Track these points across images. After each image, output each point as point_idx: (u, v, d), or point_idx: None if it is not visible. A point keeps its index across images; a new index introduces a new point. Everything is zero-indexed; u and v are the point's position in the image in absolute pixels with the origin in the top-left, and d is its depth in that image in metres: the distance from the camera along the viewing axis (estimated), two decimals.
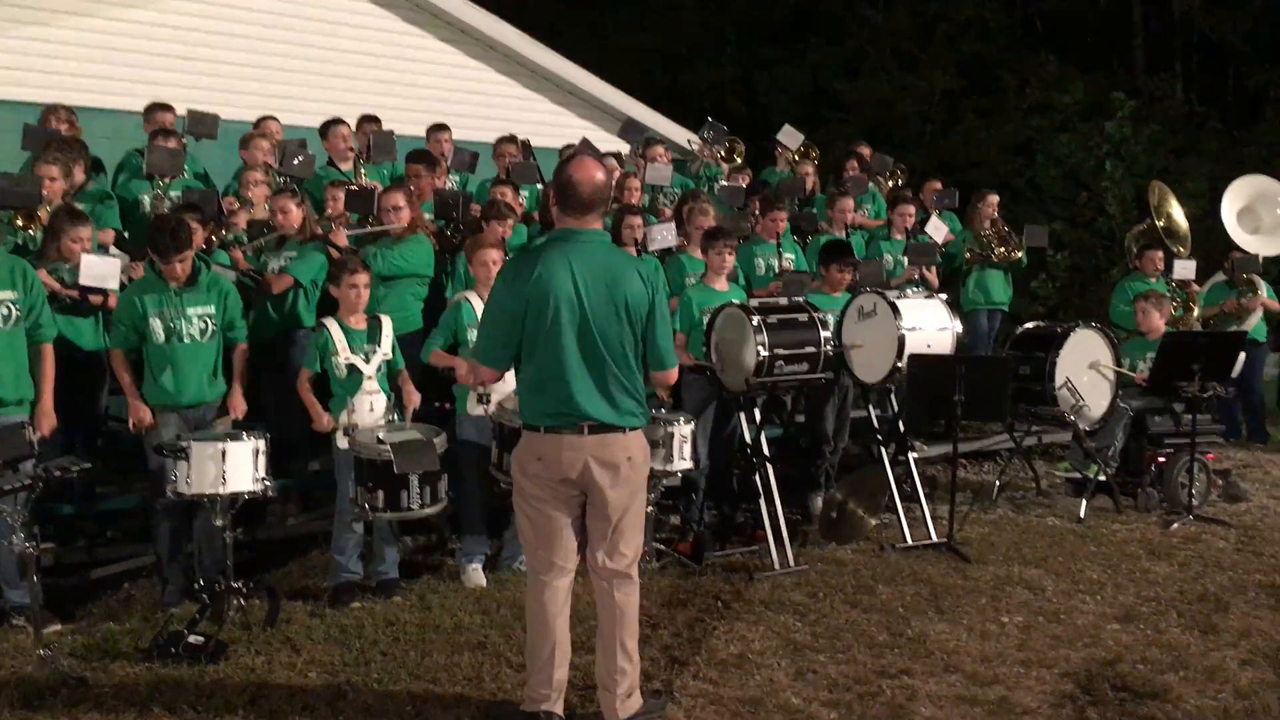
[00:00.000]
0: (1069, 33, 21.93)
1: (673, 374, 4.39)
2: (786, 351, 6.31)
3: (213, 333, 5.81)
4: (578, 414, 4.05)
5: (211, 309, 5.80)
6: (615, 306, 4.05)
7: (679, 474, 6.21)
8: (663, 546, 6.57)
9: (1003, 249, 9.69)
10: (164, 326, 5.68)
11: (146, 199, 7.49)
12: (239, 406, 5.86)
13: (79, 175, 6.90)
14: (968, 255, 9.71)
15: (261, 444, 5.37)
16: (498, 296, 4.15)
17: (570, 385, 4.03)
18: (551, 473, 4.10)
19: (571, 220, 4.13)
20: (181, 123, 8.05)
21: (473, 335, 6.11)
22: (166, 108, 8.23)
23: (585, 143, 10.04)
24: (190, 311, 5.74)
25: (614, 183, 8.80)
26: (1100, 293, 13.67)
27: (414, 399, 6.06)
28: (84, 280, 5.98)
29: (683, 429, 6.14)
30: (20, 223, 6.20)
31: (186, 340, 5.72)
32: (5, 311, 5.28)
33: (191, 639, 5.00)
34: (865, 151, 10.90)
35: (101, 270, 6.02)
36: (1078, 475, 8.20)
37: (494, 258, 6.25)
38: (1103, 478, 7.83)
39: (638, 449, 4.20)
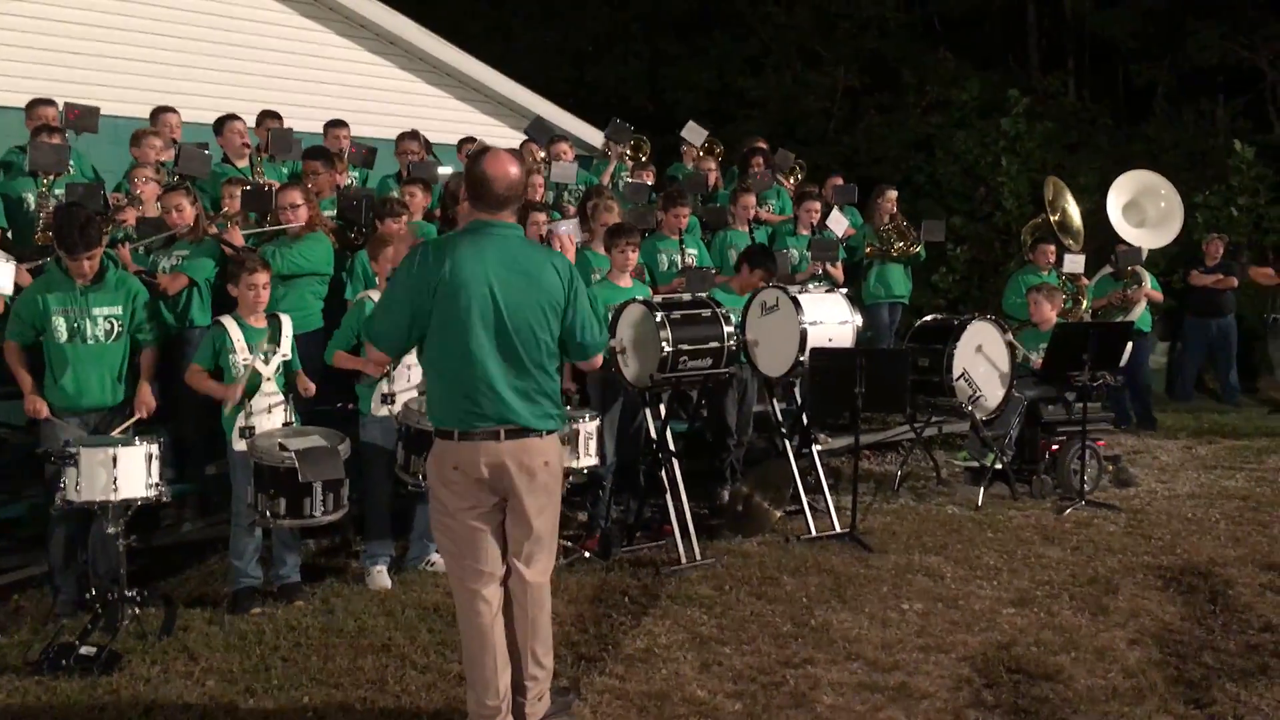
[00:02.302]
0: (966, 31, 22.44)
1: (598, 360, 4.29)
2: (690, 347, 6.35)
3: (119, 334, 5.64)
4: (494, 417, 3.89)
5: (119, 309, 5.64)
6: (531, 302, 3.91)
7: (585, 470, 6.22)
8: (570, 543, 6.56)
9: (902, 244, 9.87)
10: (67, 326, 5.51)
11: (30, 197, 7.24)
12: (148, 402, 5.69)
13: None
14: (868, 250, 9.87)
15: (155, 449, 5.23)
16: (400, 280, 3.95)
17: (486, 386, 3.86)
18: (468, 480, 3.92)
19: (484, 215, 3.98)
20: (61, 117, 7.79)
21: None
22: (49, 103, 7.94)
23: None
24: (95, 311, 5.57)
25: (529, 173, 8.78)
26: (998, 285, 13.96)
27: (309, 388, 5.94)
28: None
29: (589, 425, 6.16)
30: None
31: (90, 341, 5.55)
32: None
33: (84, 650, 4.87)
34: (765, 147, 11.00)
35: None
36: (976, 464, 8.41)
37: (395, 254, 6.19)
38: (999, 466, 8.04)
39: (554, 453, 4.05)
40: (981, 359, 8.02)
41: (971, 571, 6.33)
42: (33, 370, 5.63)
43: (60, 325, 5.52)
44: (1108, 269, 10.61)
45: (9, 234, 6.96)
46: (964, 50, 21.28)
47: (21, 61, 9.49)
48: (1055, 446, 8.20)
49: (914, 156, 19.90)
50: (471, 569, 4.01)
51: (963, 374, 7.90)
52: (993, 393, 8.01)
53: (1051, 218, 10.62)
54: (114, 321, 5.63)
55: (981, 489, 7.89)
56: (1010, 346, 8.06)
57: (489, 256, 3.88)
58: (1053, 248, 10.04)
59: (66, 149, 7.27)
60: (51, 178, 7.07)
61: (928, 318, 8.87)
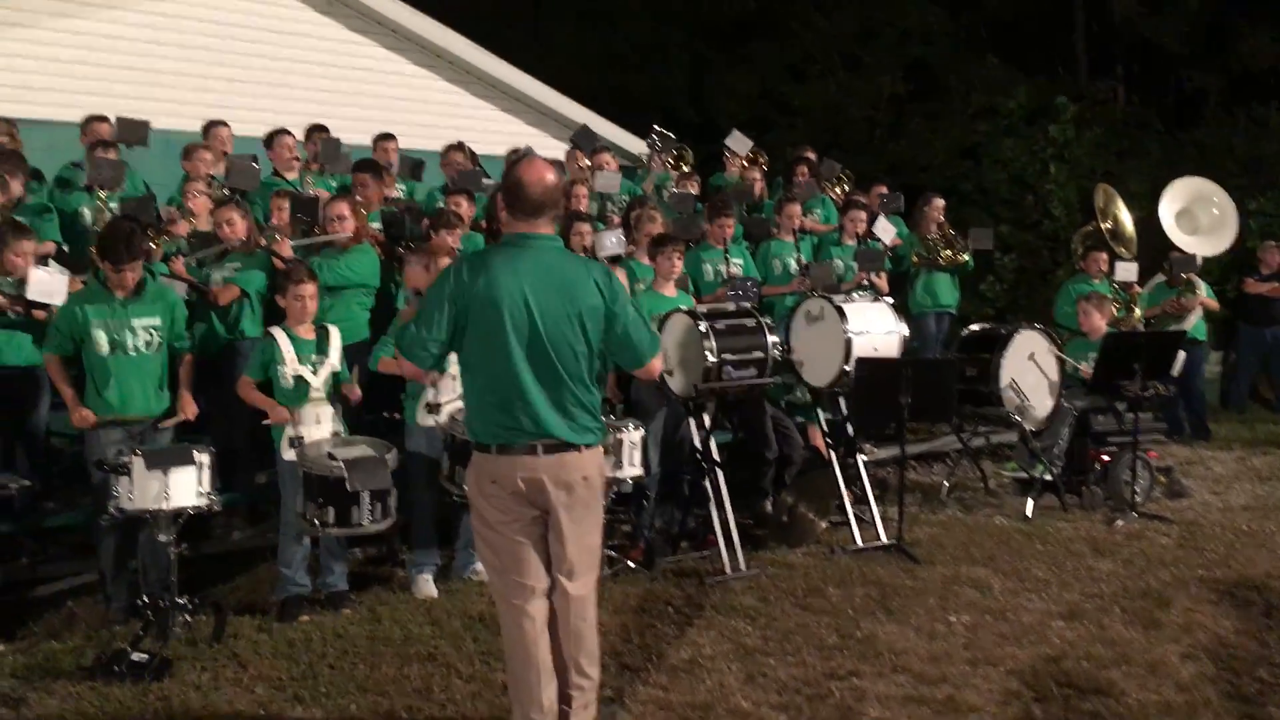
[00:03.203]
0: (1012, 37, 22.24)
1: (656, 365, 4.15)
2: (735, 356, 6.34)
3: (158, 344, 5.73)
4: (531, 432, 3.82)
5: (157, 320, 5.73)
6: (569, 316, 3.82)
7: (630, 480, 6.21)
8: (614, 553, 6.57)
9: (949, 252, 9.80)
10: (108, 338, 5.59)
11: (87, 211, 7.39)
12: (190, 409, 5.78)
13: (16, 188, 6.79)
14: (915, 259, 9.81)
15: (206, 458, 5.30)
16: (435, 294, 3.89)
17: (522, 401, 3.80)
18: (506, 494, 3.87)
19: (521, 224, 3.91)
20: (112, 131, 7.95)
21: None
22: (104, 119, 8.12)
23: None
24: (135, 323, 5.66)
25: (565, 186, 8.83)
26: (1047, 294, 13.84)
27: (355, 395, 6.00)
28: (32, 295, 5.89)
29: (633, 435, 6.16)
30: None
31: (131, 352, 5.64)
32: None
33: (135, 657, 4.93)
34: (812, 156, 10.98)
35: (50, 286, 5.93)
36: (1024, 475, 8.30)
37: (444, 266, 6.24)
38: (1048, 477, 7.94)
39: (594, 467, 3.98)
40: (1030, 368, 7.93)
41: (1020, 584, 6.26)
42: (73, 382, 5.72)
43: (101, 337, 5.59)
44: (1161, 277, 10.46)
45: (65, 248, 7.09)
46: (1011, 57, 21.10)
47: (75, 78, 9.68)
48: (1106, 457, 8.08)
49: (960, 164, 19.78)
50: (514, 583, 3.96)
51: (1011, 384, 7.83)
52: (1041, 403, 7.93)
53: (1103, 225, 10.51)
54: (153, 332, 5.72)
55: (1030, 500, 7.80)
56: (1059, 359, 7.98)
57: (524, 270, 3.83)
58: (1105, 256, 9.92)
59: (123, 165, 7.42)
60: (107, 192, 7.20)
61: (975, 327, 8.80)
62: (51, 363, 5.70)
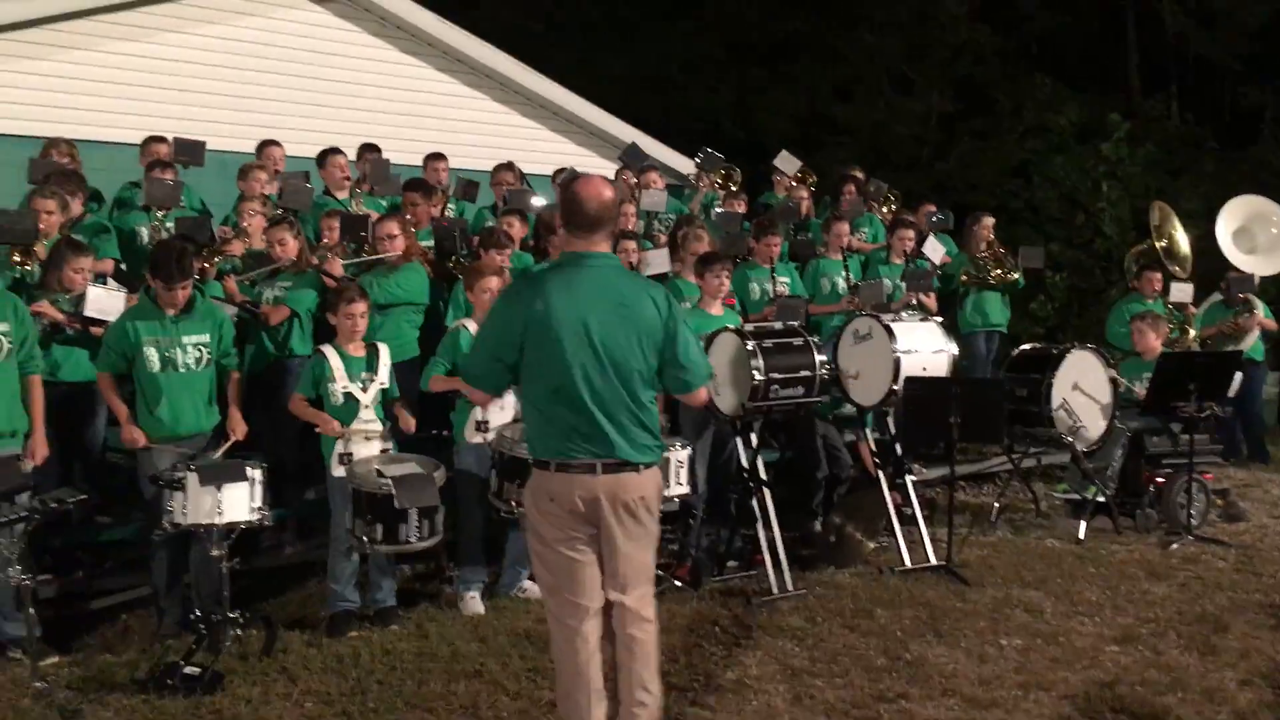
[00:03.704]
0: (1064, 55, 22.07)
1: (703, 393, 4.20)
2: (782, 375, 6.32)
3: (207, 361, 5.81)
4: (590, 450, 3.84)
5: (206, 337, 5.81)
6: (628, 335, 3.84)
7: (676, 499, 6.21)
8: (661, 572, 6.54)
9: (999, 271, 9.71)
10: (159, 355, 5.68)
11: (144, 230, 7.53)
12: (239, 428, 5.86)
13: (76, 207, 6.94)
14: (964, 277, 9.73)
15: (258, 474, 5.37)
16: (494, 318, 3.96)
17: (582, 420, 3.82)
18: (564, 512, 3.88)
19: (579, 240, 3.92)
20: (170, 152, 8.11)
21: None
22: (162, 140, 8.28)
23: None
24: (186, 340, 5.74)
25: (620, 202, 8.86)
26: (1099, 314, 13.67)
27: (409, 424, 6.06)
28: (89, 312, 6.01)
29: (680, 454, 6.15)
30: (17, 258, 6.22)
31: (181, 369, 5.72)
32: None
33: (188, 670, 4.99)
34: (860, 175, 10.94)
35: (106, 304, 6.05)
36: (1076, 496, 8.18)
37: (494, 285, 6.29)
38: (1101, 499, 7.82)
39: (651, 485, 3.98)
40: (1082, 389, 7.83)
41: (1073, 607, 6.16)
42: (125, 400, 5.81)
43: (153, 355, 5.68)
44: (1217, 296, 10.29)
45: (123, 266, 7.23)
46: (1061, 74, 20.92)
47: (133, 100, 9.89)
48: (1160, 479, 7.94)
49: (1010, 183, 19.62)
50: (568, 602, 3.95)
51: (1062, 404, 7.73)
52: (1094, 423, 7.82)
53: (1158, 244, 10.36)
54: (203, 349, 5.80)
55: (1083, 522, 7.68)
56: (1113, 380, 7.87)
57: (584, 289, 3.84)
58: (1159, 275, 9.77)
59: (180, 185, 7.56)
60: (164, 212, 7.33)
61: (1026, 346, 8.70)
62: (104, 380, 5.80)
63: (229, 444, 5.75)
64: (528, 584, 6.40)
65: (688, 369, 4.03)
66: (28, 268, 6.25)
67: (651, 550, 4.09)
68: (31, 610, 4.89)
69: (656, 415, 4.01)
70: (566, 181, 4.03)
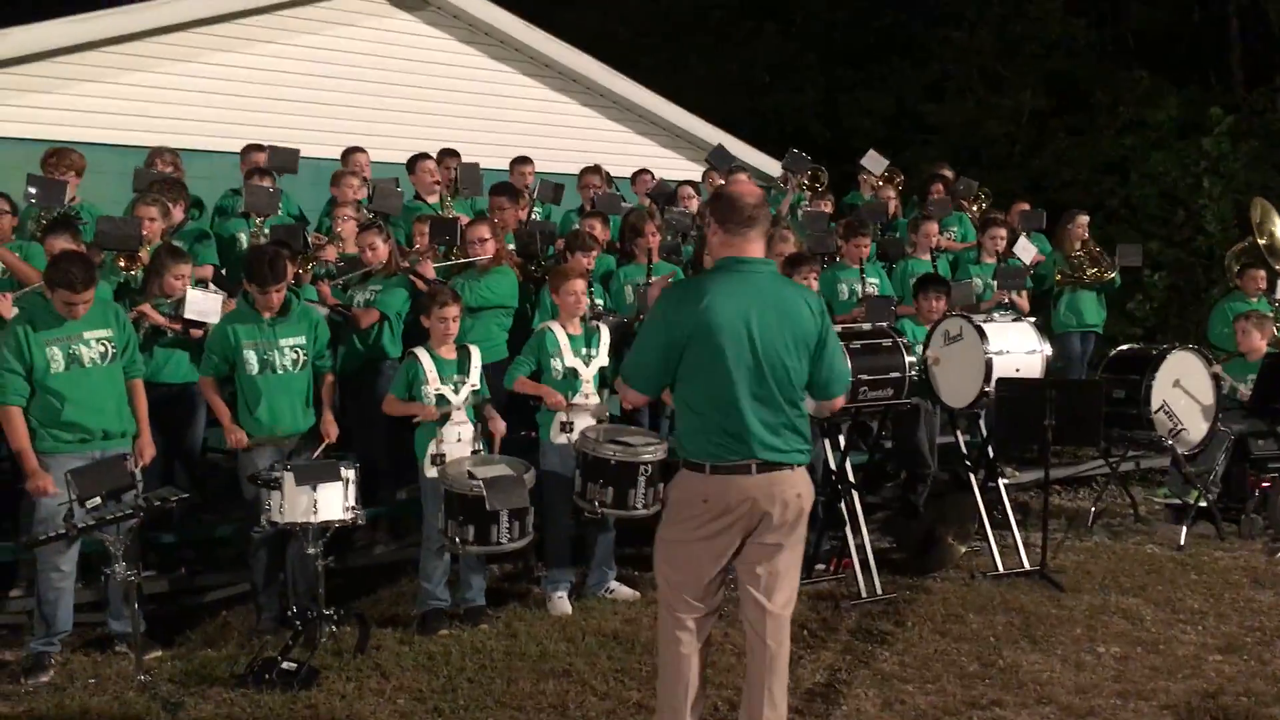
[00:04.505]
0: (1162, 48, 21.45)
1: (839, 401, 4.20)
2: (870, 377, 6.26)
3: (304, 363, 5.95)
4: (747, 451, 3.86)
5: (302, 339, 5.95)
6: (785, 340, 3.88)
7: None
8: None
9: (1095, 270, 9.49)
10: (258, 358, 5.83)
11: (243, 236, 7.73)
12: (332, 431, 5.98)
13: (177, 214, 7.15)
14: (1058, 277, 9.52)
15: (351, 473, 5.48)
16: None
17: (740, 421, 3.84)
18: (716, 513, 3.88)
19: (736, 239, 3.94)
20: (267, 159, 8.31)
21: (555, 364, 6.20)
22: (261, 148, 8.50)
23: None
24: (283, 342, 5.89)
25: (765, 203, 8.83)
26: (1200, 313, 13.27)
27: (500, 429, 6.13)
28: (189, 315, 6.19)
29: None
30: (122, 264, 6.43)
31: (280, 371, 5.86)
32: (103, 350, 5.48)
33: (285, 665, 5.11)
34: (949, 174, 10.78)
35: (205, 306, 6.23)
36: (1177, 501, 7.97)
37: (580, 288, 6.35)
38: (1204, 504, 7.60)
39: (804, 485, 3.99)
40: (1183, 391, 7.62)
41: (1174, 615, 6.00)
42: (224, 397, 5.97)
43: (252, 358, 5.83)
44: None
45: (223, 272, 7.43)
46: (1160, 68, 20.34)
47: (232, 109, 10.16)
48: (1266, 484, 7.69)
49: (1106, 180, 19.13)
50: (684, 600, 3.99)
51: (1162, 406, 7.53)
52: (1195, 426, 7.60)
53: (1259, 241, 10.02)
54: (299, 351, 5.93)
55: (1184, 528, 7.46)
56: (1216, 378, 7.64)
57: (744, 293, 3.86)
58: (1262, 273, 9.46)
59: (279, 192, 7.75)
60: (262, 219, 7.52)
61: (1124, 347, 8.50)
62: (207, 384, 5.96)
63: (324, 445, 5.87)
64: (615, 585, 6.42)
65: (833, 376, 4.07)
66: (132, 273, 6.47)
67: (799, 553, 4.09)
68: (137, 606, 5.05)
69: (807, 418, 4.02)
70: (717, 188, 4.08)
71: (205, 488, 6.72)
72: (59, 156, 7.12)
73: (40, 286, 5.64)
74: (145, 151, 8.15)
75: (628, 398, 4.21)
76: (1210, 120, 16.95)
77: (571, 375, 6.23)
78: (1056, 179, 19.48)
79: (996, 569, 6.70)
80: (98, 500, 4.91)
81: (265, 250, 6.04)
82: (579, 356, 6.27)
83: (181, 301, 6.19)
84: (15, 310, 5.76)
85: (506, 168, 9.37)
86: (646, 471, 5.92)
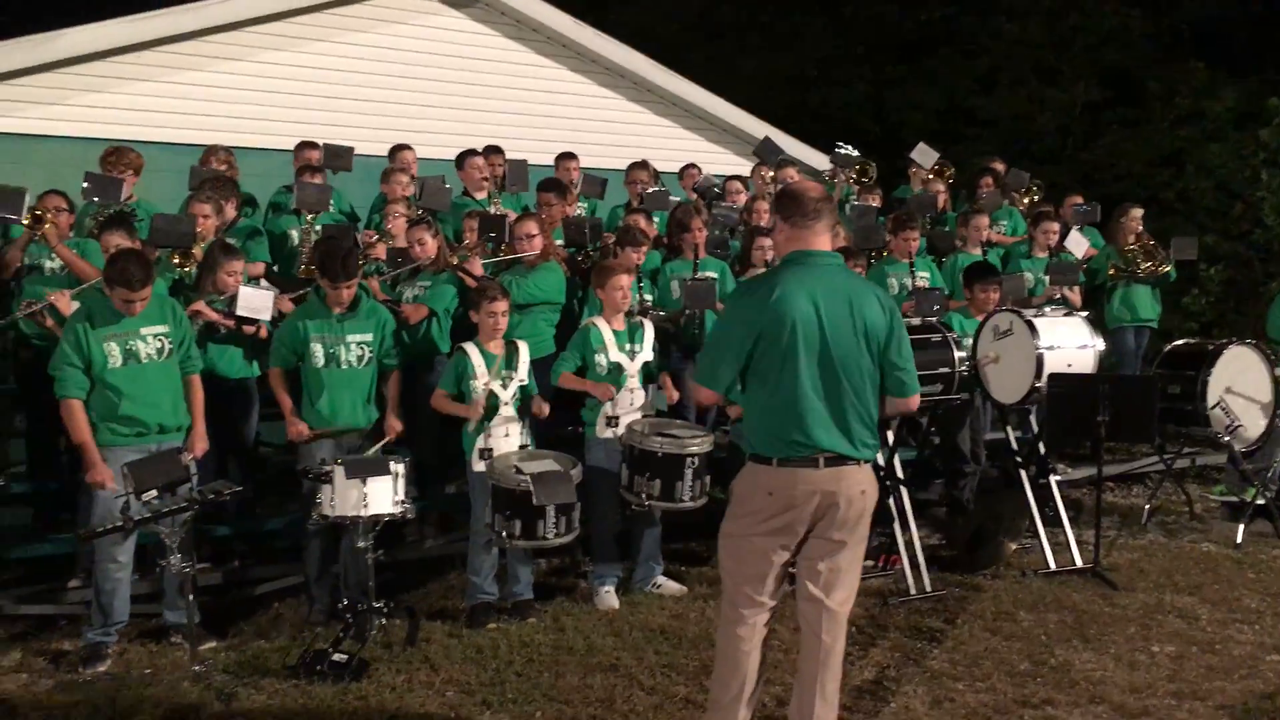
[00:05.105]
0: (1219, 39, 21.04)
1: (914, 400, 4.15)
2: (920, 372, 6.18)
3: (369, 360, 6.01)
4: (814, 445, 3.84)
5: (369, 336, 6.02)
6: (855, 333, 3.86)
7: None
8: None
9: (1149, 264, 9.34)
10: (324, 352, 5.91)
11: (295, 233, 7.82)
12: (395, 426, 6.04)
13: (230, 212, 7.25)
14: (1112, 271, 9.39)
15: (401, 468, 5.53)
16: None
17: (808, 415, 3.83)
18: (780, 507, 3.88)
19: (802, 232, 3.93)
20: (320, 157, 8.39)
21: (600, 359, 6.22)
22: (313, 145, 8.60)
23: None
24: (350, 338, 5.96)
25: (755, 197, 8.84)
26: (1258, 308, 13.02)
27: (543, 410, 6.14)
28: (241, 311, 6.28)
29: None
30: (177, 260, 6.53)
31: (344, 366, 5.94)
32: (160, 345, 5.57)
33: (336, 657, 5.17)
34: (1000, 167, 10.66)
35: (257, 302, 6.31)
36: (1234, 499, 7.84)
37: (625, 283, 6.36)
38: (1261, 501, 7.47)
39: (870, 482, 3.98)
40: (1240, 386, 7.48)
41: (1230, 614, 5.90)
42: (291, 394, 6.06)
43: (318, 351, 5.92)
44: None
45: (275, 268, 7.52)
46: (1217, 59, 19.95)
47: (284, 107, 10.28)
48: None
49: (1161, 172, 18.82)
50: (746, 594, 3.98)
51: (1219, 402, 7.40)
52: (1253, 422, 7.46)
53: None
54: (365, 348, 6.00)
55: (1241, 526, 7.33)
56: (1274, 376, 7.50)
57: (814, 288, 3.85)
58: None
59: (329, 189, 7.83)
60: (313, 215, 7.60)
61: (1179, 342, 8.36)
62: (275, 376, 6.05)
63: (382, 441, 5.93)
64: (662, 580, 6.43)
65: (906, 371, 4.04)
66: (186, 270, 6.56)
67: (860, 553, 4.06)
68: (191, 597, 5.13)
69: (876, 414, 3.98)
70: (781, 188, 4.06)
71: (257, 481, 6.81)
72: (118, 155, 7.24)
73: (99, 283, 5.74)
74: (199, 150, 8.26)
75: (700, 398, 4.23)
76: (1268, 111, 16.62)
77: (616, 370, 6.24)
78: (1110, 172, 19.19)
79: (1048, 566, 6.62)
80: (154, 493, 5.00)
81: (339, 246, 6.12)
82: (623, 352, 6.28)
83: (234, 299, 6.28)
84: (75, 306, 5.86)
85: (552, 164, 9.39)
86: (693, 464, 5.92)
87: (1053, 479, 7.09)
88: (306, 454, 5.93)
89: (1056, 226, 9.22)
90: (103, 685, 5.12)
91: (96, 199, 6.88)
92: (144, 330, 5.54)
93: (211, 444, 5.84)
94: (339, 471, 5.40)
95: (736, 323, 3.92)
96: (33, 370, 6.39)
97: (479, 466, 5.92)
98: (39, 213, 6.42)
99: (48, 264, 6.68)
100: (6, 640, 5.87)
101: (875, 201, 9.72)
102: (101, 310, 5.50)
